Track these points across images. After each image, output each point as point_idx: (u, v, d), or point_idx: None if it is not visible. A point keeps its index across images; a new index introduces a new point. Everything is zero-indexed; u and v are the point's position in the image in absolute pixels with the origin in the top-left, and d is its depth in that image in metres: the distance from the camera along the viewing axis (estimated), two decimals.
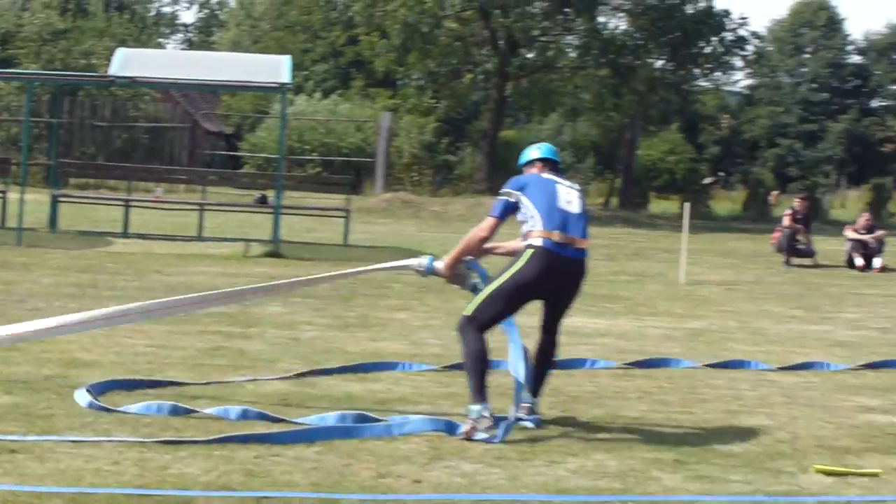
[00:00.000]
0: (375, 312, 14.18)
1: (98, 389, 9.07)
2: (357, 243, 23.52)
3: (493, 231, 8.83)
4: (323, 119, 46.79)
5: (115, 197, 28.18)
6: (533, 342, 8.99)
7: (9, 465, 7.20)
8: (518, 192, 8.82)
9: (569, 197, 8.81)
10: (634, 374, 11.32)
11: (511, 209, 8.79)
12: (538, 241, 8.55)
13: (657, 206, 41.97)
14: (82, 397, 8.74)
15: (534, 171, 9.17)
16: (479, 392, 8.38)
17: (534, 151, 9.35)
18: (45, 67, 48.31)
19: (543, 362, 9.05)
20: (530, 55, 40.42)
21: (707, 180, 53.12)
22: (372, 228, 28.03)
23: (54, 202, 23.87)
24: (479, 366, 8.47)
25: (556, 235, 8.56)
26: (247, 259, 19.77)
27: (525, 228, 8.71)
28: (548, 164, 9.18)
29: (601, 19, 39.62)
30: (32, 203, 23.40)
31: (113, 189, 34.74)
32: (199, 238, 23.09)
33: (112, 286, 15.62)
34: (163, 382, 9.62)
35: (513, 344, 8.80)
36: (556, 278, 8.67)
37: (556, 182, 8.91)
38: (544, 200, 8.69)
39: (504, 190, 8.96)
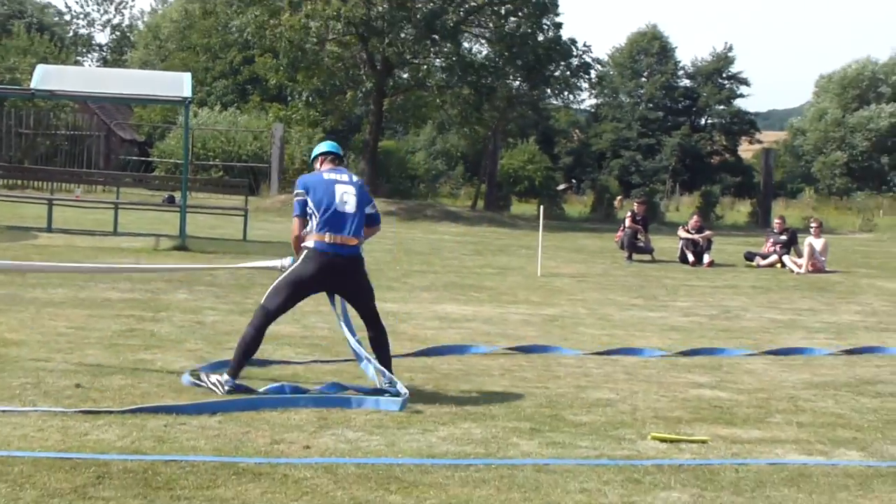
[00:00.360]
0: None
1: (208, 368, 9.24)
2: (255, 239, 23.39)
3: (303, 227, 8.94)
4: (223, 129, 46.44)
5: (39, 196, 27.80)
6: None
7: None
8: (304, 193, 8.97)
9: (346, 197, 8.94)
10: (499, 353, 11.41)
11: (307, 205, 8.91)
12: (311, 244, 8.80)
13: (518, 208, 42.21)
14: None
15: (319, 165, 9.33)
16: (236, 368, 8.73)
17: (321, 147, 9.55)
18: None
19: (379, 346, 9.10)
20: (404, 75, 40.45)
21: (561, 186, 53.62)
22: (269, 226, 27.84)
23: None
24: (244, 348, 8.77)
25: (328, 237, 8.76)
26: (157, 252, 19.54)
27: (308, 227, 8.89)
28: (330, 156, 9.37)
29: (465, 45, 39.76)
30: None
31: (37, 189, 34.22)
32: (115, 233, 22.82)
33: (36, 275, 15.36)
34: (272, 362, 9.79)
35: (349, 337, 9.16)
36: (328, 275, 8.86)
37: (337, 182, 9.04)
38: (324, 202, 8.86)
39: (296, 191, 9.08)
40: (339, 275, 8.87)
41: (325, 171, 9.17)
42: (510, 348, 11.70)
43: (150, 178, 34.55)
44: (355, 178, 9.21)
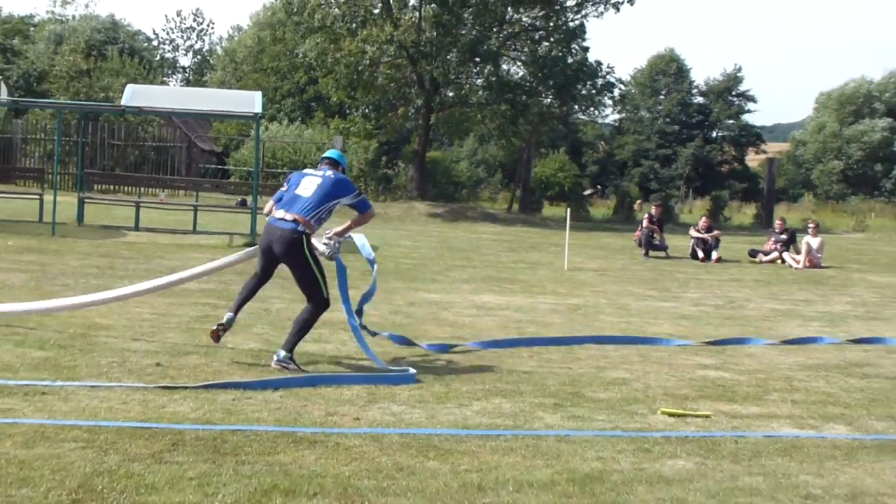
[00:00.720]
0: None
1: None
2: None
3: (271, 207, 9.33)
4: (290, 141, 46.61)
5: (128, 199, 27.97)
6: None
7: (40, 403, 7.19)
8: (285, 184, 9.50)
9: (308, 184, 9.20)
10: (527, 334, 11.37)
11: (281, 192, 9.40)
12: (268, 218, 9.22)
13: (548, 210, 42.07)
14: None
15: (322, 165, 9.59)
16: (238, 305, 9.24)
17: (326, 153, 9.83)
18: (72, 99, 47.97)
19: (296, 320, 9.18)
20: (449, 94, 40.46)
21: (587, 192, 53.35)
22: (327, 225, 27.92)
23: (81, 203, 23.68)
24: (245, 294, 9.30)
25: (277, 213, 9.09)
26: (230, 248, 19.64)
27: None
28: (327, 160, 9.60)
29: (503, 67, 39.71)
30: (63, 203, 23.18)
31: (127, 193, 34.49)
32: (194, 232, 22.93)
33: (125, 268, 15.49)
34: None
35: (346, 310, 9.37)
36: (267, 242, 9.09)
37: (308, 175, 9.38)
38: (291, 188, 9.26)
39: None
40: (275, 243, 9.01)
41: (311, 169, 9.57)
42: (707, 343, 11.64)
43: (226, 184, 34.60)
44: (330, 174, 9.32)
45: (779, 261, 23.15)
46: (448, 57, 36.53)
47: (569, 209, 25.17)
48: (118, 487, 5.56)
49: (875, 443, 7.46)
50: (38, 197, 23.32)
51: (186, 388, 7.85)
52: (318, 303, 9.06)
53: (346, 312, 9.25)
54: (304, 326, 9.01)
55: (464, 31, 36.81)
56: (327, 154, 9.71)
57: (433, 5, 36.42)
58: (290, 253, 8.94)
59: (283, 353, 8.81)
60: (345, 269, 9.46)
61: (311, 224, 8.98)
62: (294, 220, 8.91)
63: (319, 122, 53.74)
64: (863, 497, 6.20)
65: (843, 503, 6.08)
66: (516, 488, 5.99)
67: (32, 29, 73.96)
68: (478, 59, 37.82)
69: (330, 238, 9.38)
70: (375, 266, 10.15)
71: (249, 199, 24.48)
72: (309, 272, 9.01)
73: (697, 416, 7.99)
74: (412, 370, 8.82)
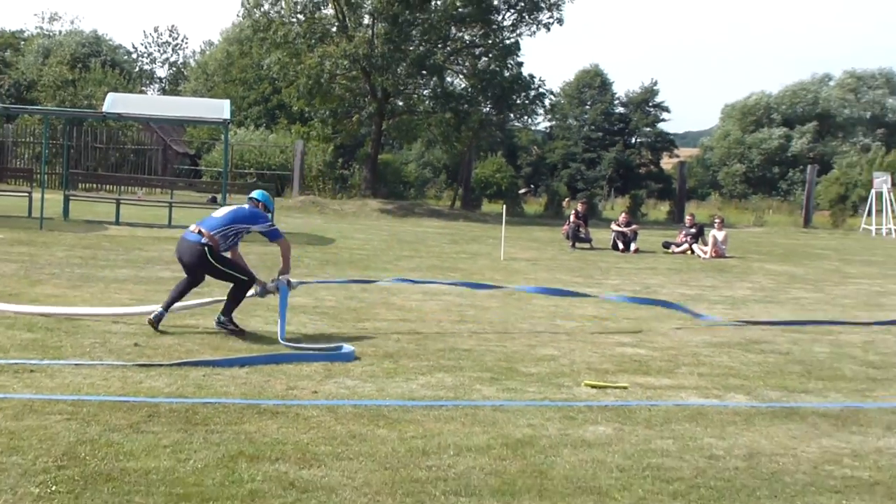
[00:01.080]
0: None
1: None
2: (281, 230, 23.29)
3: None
4: (256, 145, 46.18)
5: (110, 197, 27.60)
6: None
7: (29, 380, 7.11)
8: None
9: (223, 210, 9.65)
10: (466, 317, 11.41)
11: None
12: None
13: (487, 207, 42.01)
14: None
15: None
16: (168, 303, 9.36)
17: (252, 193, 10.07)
18: (59, 106, 47.33)
19: (232, 294, 9.44)
20: (399, 102, 40.29)
21: (522, 190, 53.41)
22: (290, 220, 27.72)
23: (66, 200, 23.33)
24: (174, 290, 9.48)
25: (192, 227, 9.44)
26: None
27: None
28: (253, 201, 9.87)
29: (447, 79, 39.64)
30: (50, 200, 22.87)
31: (108, 192, 34.01)
32: (169, 226, 22.67)
33: (107, 258, 15.30)
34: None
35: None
36: (178, 252, 9.50)
37: (229, 206, 9.84)
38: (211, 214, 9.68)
39: None
40: (183, 254, 9.36)
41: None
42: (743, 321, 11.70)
43: (198, 183, 34.30)
44: (246, 206, 9.71)
45: (689, 252, 23.34)
46: (398, 70, 36.37)
47: (505, 206, 25.18)
48: (99, 454, 5.52)
49: (770, 410, 7.56)
50: (27, 194, 22.95)
51: (161, 365, 7.79)
52: (239, 285, 9.45)
53: (280, 329, 9.29)
54: (235, 298, 9.40)
55: (412, 47, 36.68)
56: (253, 196, 9.94)
57: (384, 24, 36.26)
58: (195, 262, 9.27)
59: (222, 318, 9.29)
60: (287, 293, 9.63)
61: (215, 238, 9.27)
62: (199, 233, 9.24)
63: (283, 127, 53.35)
64: (758, 456, 6.30)
65: (741, 462, 6.17)
66: (456, 452, 6.01)
67: (23, 42, 72.67)
68: (424, 72, 37.70)
69: (274, 280, 9.68)
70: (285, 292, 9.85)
71: (219, 196, 24.28)
72: (222, 273, 9.41)
73: (616, 387, 8.05)
74: (350, 347, 8.82)
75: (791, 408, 7.64)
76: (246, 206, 9.72)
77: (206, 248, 9.15)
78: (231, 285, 9.41)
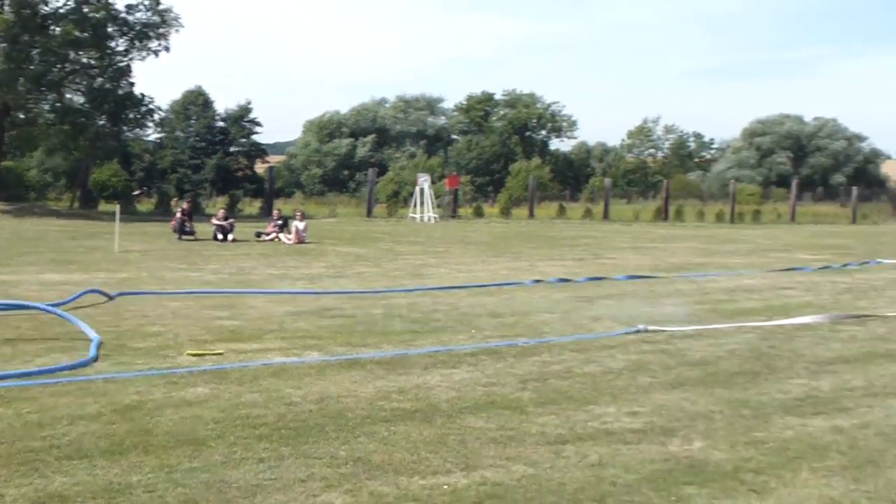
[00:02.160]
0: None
1: None
2: None
3: None
4: None
5: None
6: None
7: None
8: None
9: None
10: (81, 303, 10.66)
11: None
12: None
13: (104, 207, 39.44)
14: None
15: None
16: None
17: None
18: None
19: None
20: (21, 115, 36.80)
21: (136, 192, 50.65)
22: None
23: None
24: None
25: None
26: None
27: None
28: None
29: (67, 95, 36.84)
30: None
31: None
32: None
33: None
34: None
35: None
36: None
37: None
38: None
39: None
40: None
41: None
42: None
43: None
44: None
45: (276, 239, 23.40)
46: (19, 87, 33.19)
47: (119, 206, 23.90)
48: None
49: (337, 362, 7.79)
50: None
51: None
52: None
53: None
54: None
55: (32, 66, 33.61)
56: None
57: (4, 44, 32.84)
58: None
59: None
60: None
61: None
62: None
63: None
64: (328, 400, 6.47)
65: (314, 405, 6.30)
66: (70, 422, 5.62)
67: None
68: (43, 88, 34.79)
69: None
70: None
71: None
72: None
73: (213, 354, 7.92)
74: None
75: (354, 359, 7.92)
76: None
77: None
78: None
